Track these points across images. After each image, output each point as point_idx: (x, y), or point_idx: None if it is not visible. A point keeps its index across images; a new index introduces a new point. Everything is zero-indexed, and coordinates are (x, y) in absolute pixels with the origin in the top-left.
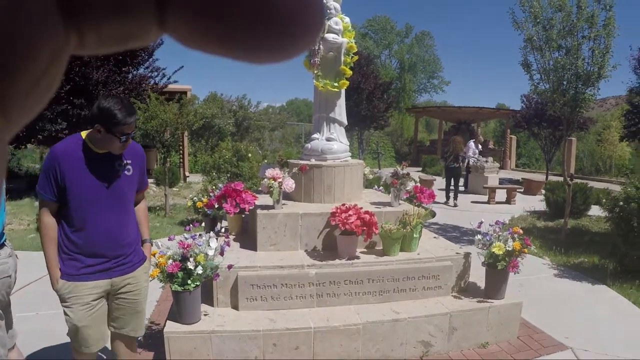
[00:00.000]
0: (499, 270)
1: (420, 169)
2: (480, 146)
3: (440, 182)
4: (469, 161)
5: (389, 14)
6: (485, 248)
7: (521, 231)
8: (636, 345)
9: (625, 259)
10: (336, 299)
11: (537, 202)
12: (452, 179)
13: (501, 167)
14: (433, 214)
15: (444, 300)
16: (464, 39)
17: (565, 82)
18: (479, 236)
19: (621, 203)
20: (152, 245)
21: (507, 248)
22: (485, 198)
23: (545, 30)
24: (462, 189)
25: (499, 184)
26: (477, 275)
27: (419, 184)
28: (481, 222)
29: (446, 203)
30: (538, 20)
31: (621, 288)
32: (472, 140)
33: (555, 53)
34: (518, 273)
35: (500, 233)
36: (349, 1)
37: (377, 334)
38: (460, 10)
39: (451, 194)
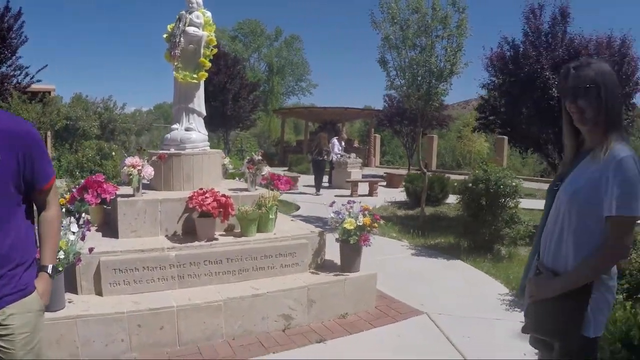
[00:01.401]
0: (351, 245)
1: (287, 168)
2: (343, 143)
3: (304, 179)
4: (332, 158)
5: (260, 17)
6: (338, 225)
7: (370, 208)
8: (486, 305)
9: (477, 235)
10: (197, 279)
11: (398, 194)
12: (319, 171)
13: (366, 165)
14: (297, 208)
15: (302, 276)
16: (333, 42)
17: (419, 78)
18: (332, 214)
19: (470, 184)
20: (53, 277)
21: (358, 223)
22: (348, 192)
23: (402, 30)
24: (326, 184)
25: (364, 179)
26: (334, 253)
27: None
28: (333, 202)
29: (317, 194)
30: (395, 20)
31: (474, 262)
32: (335, 138)
33: (411, 51)
34: (369, 246)
35: (351, 211)
36: (220, 3)
37: (238, 309)
38: (330, 14)
39: (325, 184)
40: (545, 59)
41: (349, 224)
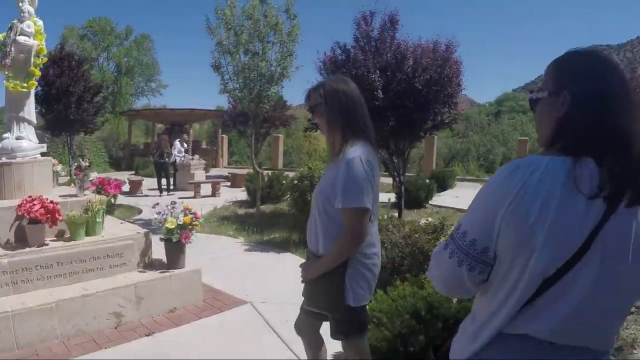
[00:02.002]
0: (174, 243)
1: (133, 172)
2: (186, 145)
3: (149, 182)
4: (175, 160)
5: (111, 14)
6: (161, 225)
7: (191, 208)
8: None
9: (305, 229)
10: (30, 284)
11: (240, 193)
12: (162, 173)
13: (214, 166)
14: (139, 211)
15: (130, 275)
16: (184, 43)
17: (250, 82)
18: (156, 215)
19: (296, 181)
20: None
21: (179, 222)
22: (192, 194)
23: (236, 35)
24: (167, 186)
25: (208, 180)
26: (162, 252)
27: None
28: (157, 204)
29: (160, 196)
30: (230, 26)
31: (303, 253)
32: (177, 140)
33: (245, 56)
34: (190, 243)
35: (172, 211)
36: (69, 1)
37: (70, 310)
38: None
39: (164, 187)
40: (372, 63)
41: (170, 224)
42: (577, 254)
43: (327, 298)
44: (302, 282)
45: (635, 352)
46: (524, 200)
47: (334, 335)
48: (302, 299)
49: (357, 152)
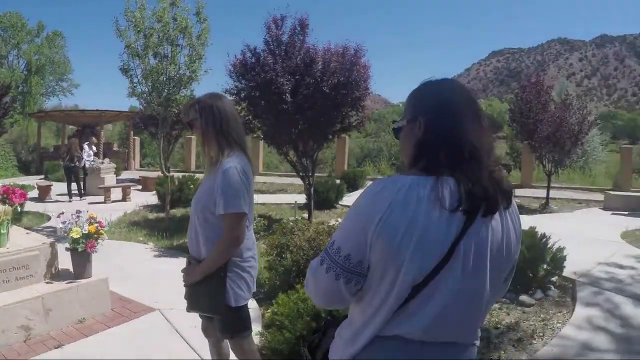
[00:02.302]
0: (80, 252)
1: (42, 176)
2: (94, 148)
3: (58, 187)
4: (85, 164)
5: (23, 10)
6: (67, 235)
7: (96, 216)
8: None
9: None
10: None
11: (152, 197)
12: (72, 177)
13: (126, 168)
14: (48, 219)
15: (37, 287)
16: (98, 40)
17: (159, 85)
18: (61, 225)
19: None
20: None
21: (84, 232)
22: (103, 199)
23: (145, 38)
24: (76, 191)
25: (119, 183)
26: (69, 262)
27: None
28: (62, 213)
29: (70, 201)
30: (139, 29)
31: None
32: (85, 143)
33: (154, 59)
34: (96, 252)
35: (77, 220)
36: None
37: None
38: (96, 12)
39: (75, 192)
40: (281, 67)
41: (75, 233)
42: (442, 262)
43: (210, 300)
44: (184, 286)
45: (535, 342)
46: (391, 217)
47: (221, 334)
48: None
49: (232, 162)
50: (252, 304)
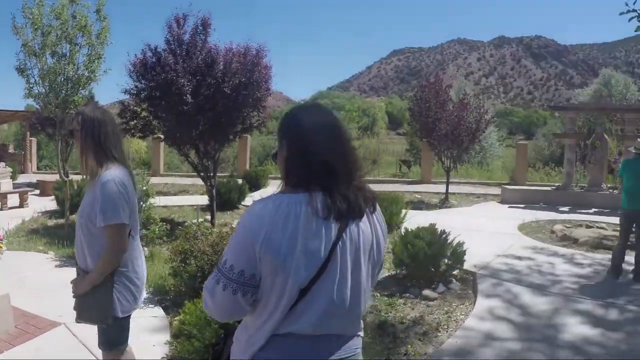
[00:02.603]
0: None
1: None
2: None
3: None
4: None
5: None
6: None
7: None
8: None
9: None
10: None
11: (50, 202)
12: None
13: (22, 172)
14: None
15: None
16: None
17: (57, 86)
18: None
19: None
20: None
21: None
22: None
23: (43, 36)
24: None
25: (17, 188)
26: None
27: None
28: None
29: None
30: (37, 26)
31: None
32: None
33: (51, 58)
34: None
35: None
36: None
37: None
38: None
39: None
40: (182, 67)
41: None
42: (323, 266)
43: (97, 310)
44: (74, 297)
45: (440, 334)
46: (274, 234)
47: (100, 345)
48: None
49: (110, 174)
50: (159, 312)
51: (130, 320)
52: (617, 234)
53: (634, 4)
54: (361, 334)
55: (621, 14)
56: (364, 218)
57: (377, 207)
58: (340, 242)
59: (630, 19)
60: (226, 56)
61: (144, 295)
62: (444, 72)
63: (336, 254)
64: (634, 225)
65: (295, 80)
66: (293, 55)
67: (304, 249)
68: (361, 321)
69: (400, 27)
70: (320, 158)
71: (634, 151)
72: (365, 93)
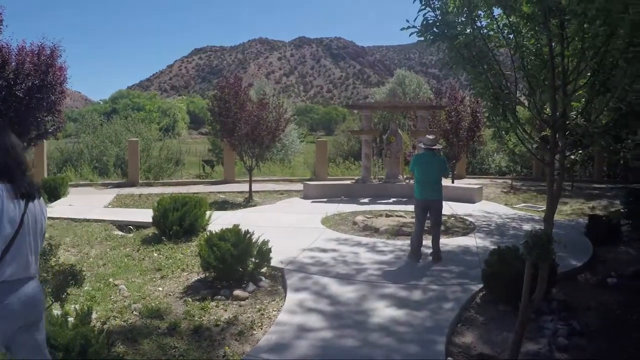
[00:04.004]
0: None
1: None
2: None
3: None
4: None
5: None
6: None
7: None
8: None
9: None
10: None
11: None
12: None
13: None
14: None
15: None
16: None
17: None
18: None
19: None
20: None
21: None
22: None
23: None
24: None
25: None
26: None
27: None
28: None
29: None
30: None
31: None
32: None
33: None
34: None
35: None
36: None
37: None
38: None
39: None
40: None
41: None
42: (18, 228)
43: None
44: None
45: (255, 332)
46: None
47: None
48: None
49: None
50: None
51: None
52: (414, 221)
53: (414, 20)
54: (37, 275)
55: (402, 29)
56: (35, 201)
57: (41, 193)
58: (26, 213)
59: (410, 35)
60: (19, 56)
61: None
62: (246, 71)
63: (25, 220)
64: (428, 213)
65: (94, 80)
66: (93, 54)
67: (8, 217)
68: (37, 267)
69: (202, 26)
70: (5, 164)
71: (423, 146)
72: (166, 92)
